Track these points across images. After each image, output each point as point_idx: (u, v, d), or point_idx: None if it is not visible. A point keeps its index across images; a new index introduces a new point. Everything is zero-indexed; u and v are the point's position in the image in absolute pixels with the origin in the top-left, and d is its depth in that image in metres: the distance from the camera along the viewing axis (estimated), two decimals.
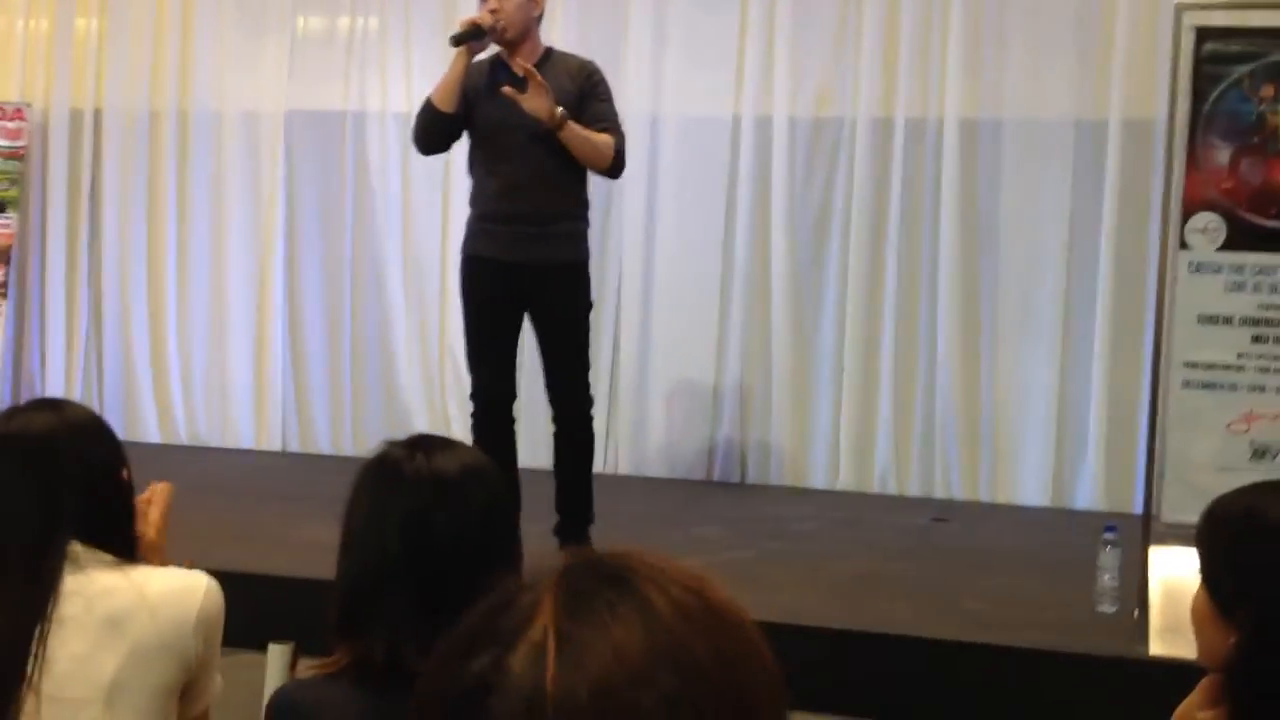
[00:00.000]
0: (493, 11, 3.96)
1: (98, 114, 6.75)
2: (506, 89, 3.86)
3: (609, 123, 4.05)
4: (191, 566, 1.89)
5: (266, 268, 6.58)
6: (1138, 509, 4.03)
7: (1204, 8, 3.56)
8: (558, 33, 5.98)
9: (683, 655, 0.70)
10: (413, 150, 6.29)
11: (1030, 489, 5.73)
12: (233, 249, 6.63)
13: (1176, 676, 1.70)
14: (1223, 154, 3.43)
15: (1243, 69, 3.38)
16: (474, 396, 4.20)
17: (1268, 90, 3.39)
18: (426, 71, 6.34)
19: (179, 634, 1.77)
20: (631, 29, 6.09)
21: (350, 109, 6.46)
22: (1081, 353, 5.66)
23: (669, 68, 6.07)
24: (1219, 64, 3.40)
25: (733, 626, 0.74)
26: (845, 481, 5.91)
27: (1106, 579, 3.91)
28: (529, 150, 3.92)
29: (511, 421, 4.18)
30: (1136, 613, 3.68)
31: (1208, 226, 3.43)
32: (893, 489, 5.86)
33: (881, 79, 5.85)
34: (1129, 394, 5.43)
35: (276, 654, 1.99)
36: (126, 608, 1.76)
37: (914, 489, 5.85)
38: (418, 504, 1.65)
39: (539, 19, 4.13)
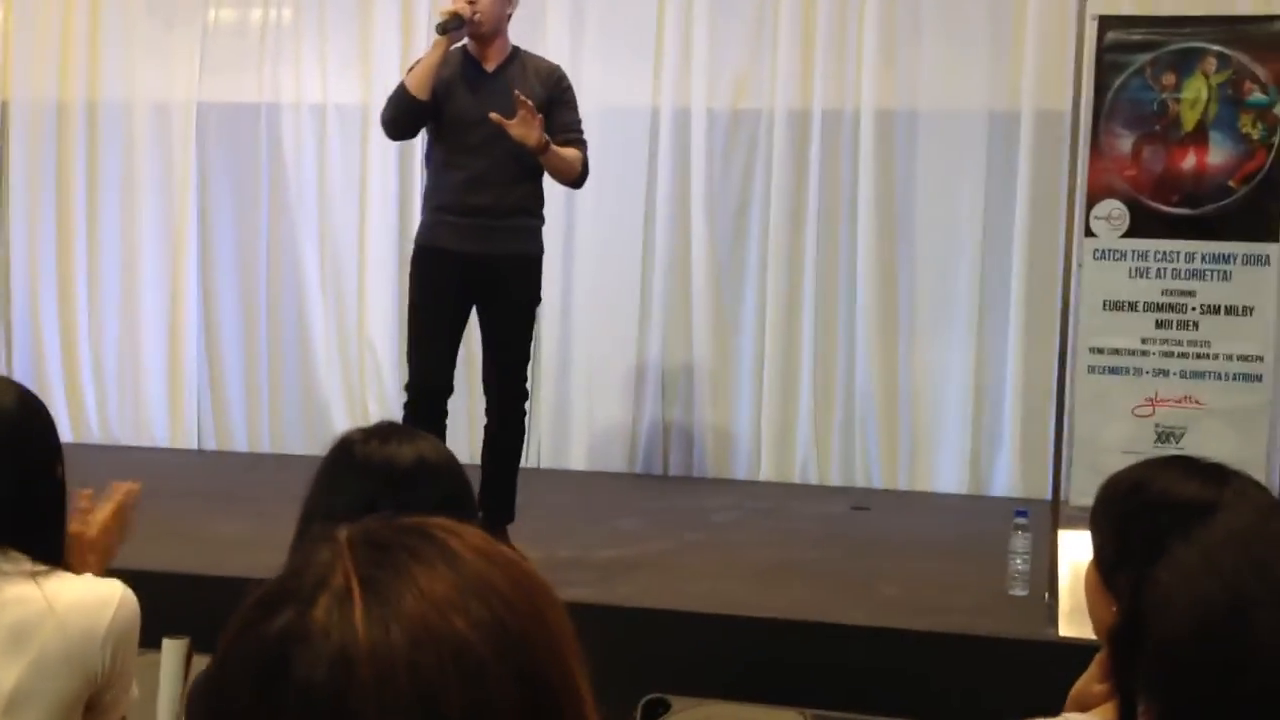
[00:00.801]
0: (470, 3, 3.97)
1: (4, 106, 6.61)
2: (494, 116, 3.88)
3: (576, 133, 4.13)
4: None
5: (180, 263, 6.48)
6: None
7: None
8: None
9: (487, 587, 0.70)
10: (329, 142, 6.34)
11: (948, 476, 5.80)
12: (145, 244, 6.52)
13: (1085, 657, 1.72)
14: (1125, 142, 3.49)
15: (1144, 57, 3.44)
16: (410, 387, 4.18)
17: (1169, 78, 3.45)
18: (341, 62, 6.30)
19: (86, 647, 1.74)
20: (549, 20, 6.07)
21: (264, 101, 6.38)
22: (997, 341, 5.73)
23: (586, 58, 6.05)
24: (1121, 52, 3.45)
25: (526, 569, 0.75)
26: (767, 472, 5.94)
27: (1018, 563, 3.96)
28: (494, 146, 3.95)
29: (444, 415, 4.17)
30: (1047, 595, 3.73)
31: (1111, 214, 3.48)
32: (814, 479, 5.89)
33: (799, 71, 5.88)
34: (1043, 381, 5.47)
35: (171, 649, 1.95)
36: (34, 618, 1.72)
37: (835, 478, 5.89)
38: (366, 491, 1.62)
39: (510, 17, 4.15)
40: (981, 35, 5.72)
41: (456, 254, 4.05)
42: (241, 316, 6.47)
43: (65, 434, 6.49)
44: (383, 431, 1.69)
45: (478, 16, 3.98)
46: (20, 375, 6.47)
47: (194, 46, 6.45)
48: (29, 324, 6.60)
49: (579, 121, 4.18)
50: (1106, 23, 3.47)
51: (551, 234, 5.98)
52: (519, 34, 5.87)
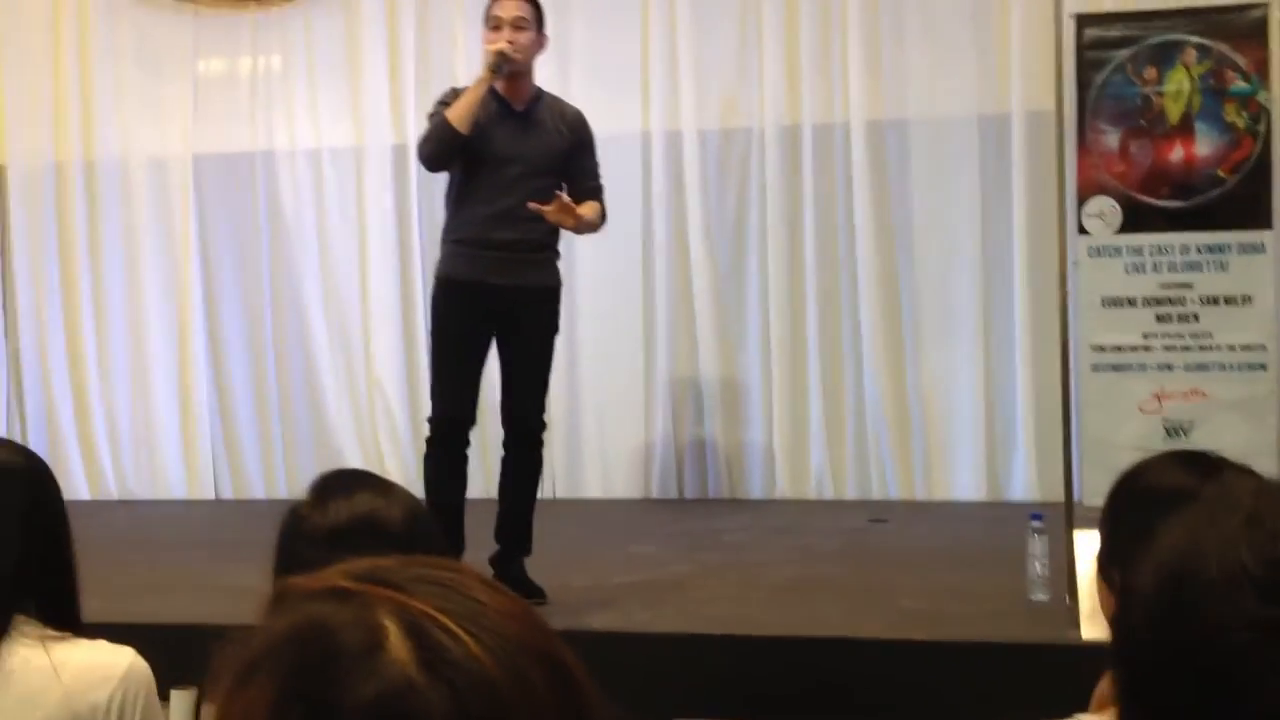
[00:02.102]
0: (510, 42, 4.02)
1: (1, 170, 6.66)
2: (532, 205, 3.96)
3: (596, 180, 4.22)
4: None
5: (185, 314, 6.50)
6: None
7: None
8: (461, 59, 5.99)
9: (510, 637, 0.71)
10: (325, 186, 6.36)
11: (965, 484, 5.76)
12: (150, 298, 6.54)
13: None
14: (1112, 138, 3.48)
15: (1124, 53, 3.43)
16: (434, 420, 4.18)
17: (1150, 73, 3.43)
18: (332, 107, 6.34)
19: (90, 716, 1.72)
20: None
21: (259, 149, 6.41)
22: (1004, 344, 5.71)
23: (575, 89, 6.02)
24: (1101, 49, 3.44)
25: (532, 610, 0.75)
26: (782, 490, 5.92)
27: (1037, 567, 3.92)
28: (520, 184, 4.01)
29: (466, 446, 4.19)
30: (1067, 598, 3.69)
31: (1103, 210, 3.46)
32: (830, 494, 5.87)
33: (785, 87, 5.89)
34: (1052, 383, 5.44)
35: (179, 700, 1.94)
36: (40, 685, 1.71)
37: (851, 492, 5.86)
38: (318, 558, 1.60)
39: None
40: (966, 40, 5.72)
41: (479, 286, 4.08)
42: (250, 363, 6.48)
43: (82, 493, 6.58)
44: (322, 491, 1.66)
45: (517, 55, 4.04)
46: (34, 436, 6.50)
47: (186, 99, 6.49)
48: (40, 385, 6.63)
49: (598, 166, 4.26)
50: (1084, 21, 3.46)
51: None
52: None
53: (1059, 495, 5.08)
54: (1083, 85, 3.47)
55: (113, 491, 6.52)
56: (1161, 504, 1.61)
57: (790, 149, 5.89)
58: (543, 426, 4.27)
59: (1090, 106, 3.45)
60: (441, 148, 4.07)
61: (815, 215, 5.85)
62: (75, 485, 6.40)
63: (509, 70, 4.06)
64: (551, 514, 4.98)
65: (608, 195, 5.89)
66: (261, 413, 6.47)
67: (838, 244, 5.87)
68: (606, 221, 4.28)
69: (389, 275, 6.27)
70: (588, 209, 4.12)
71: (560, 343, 5.98)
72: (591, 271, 6.07)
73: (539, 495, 4.40)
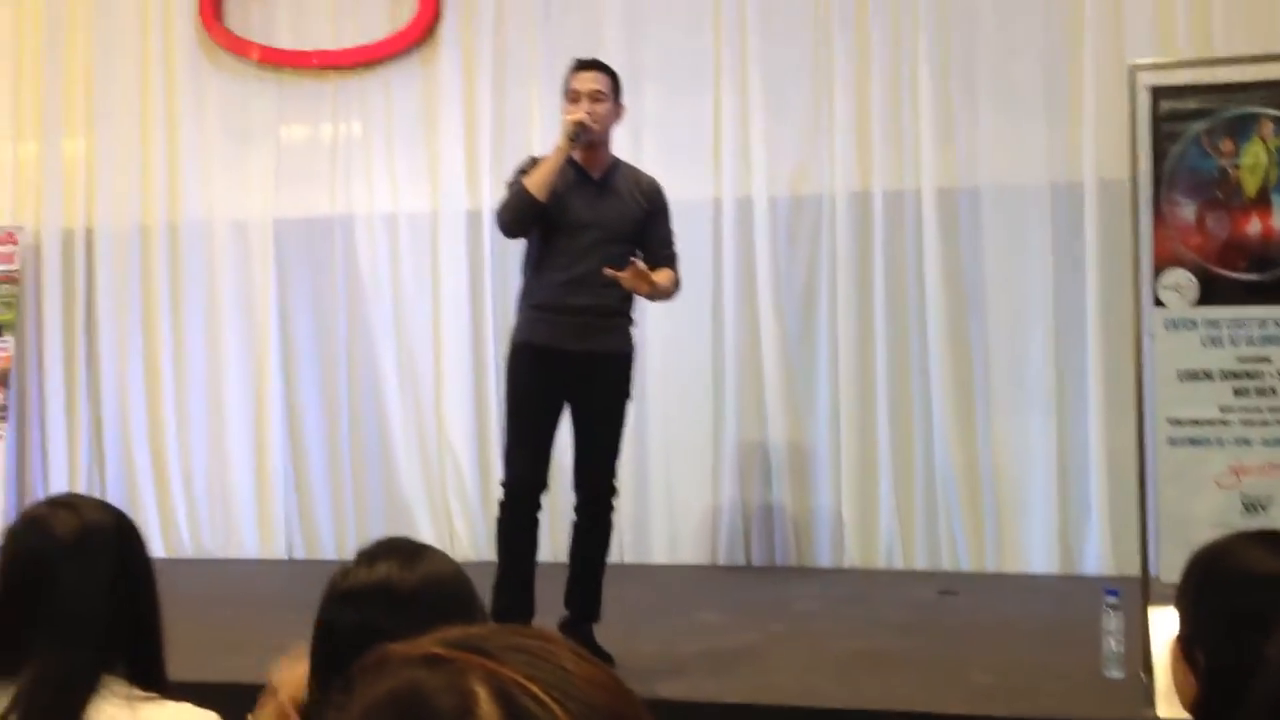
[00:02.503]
0: (589, 113, 4.10)
1: (89, 233, 6.84)
2: (608, 271, 4.01)
3: (670, 248, 4.28)
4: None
5: (262, 375, 6.61)
6: None
7: (1158, 67, 3.59)
8: (536, 126, 6.08)
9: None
10: (401, 250, 6.46)
11: (1037, 556, 5.68)
12: (229, 358, 6.66)
13: None
14: (1188, 210, 3.44)
15: (1200, 125, 3.40)
16: (508, 484, 4.20)
17: (1227, 145, 3.41)
18: (410, 172, 6.45)
19: None
20: None
21: (337, 213, 6.54)
22: (1077, 414, 5.63)
23: (647, 155, 6.10)
24: (1177, 121, 3.42)
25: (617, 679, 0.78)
26: (851, 559, 5.86)
27: (1111, 644, 3.85)
28: (597, 251, 4.06)
29: (538, 510, 4.20)
30: (1142, 675, 3.62)
31: (1179, 283, 3.43)
32: (899, 564, 5.80)
33: (857, 154, 5.91)
34: (1127, 455, 5.36)
35: None
36: None
37: (920, 562, 5.80)
38: (338, 618, 1.63)
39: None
40: (1038, 108, 5.71)
41: (556, 351, 4.12)
42: (324, 424, 6.57)
43: (158, 550, 6.67)
44: (359, 555, 1.70)
45: (594, 125, 4.11)
46: (113, 493, 6.62)
47: (269, 164, 6.65)
48: (120, 443, 6.75)
49: (673, 234, 4.30)
50: (1160, 93, 3.44)
51: None
52: None
53: (1134, 570, 4.99)
54: (1158, 157, 3.45)
55: (187, 550, 6.61)
56: (1249, 588, 1.60)
57: (861, 215, 5.89)
58: (614, 492, 4.28)
59: (1166, 178, 3.42)
60: (520, 215, 4.13)
61: (885, 282, 5.84)
62: (151, 542, 6.49)
63: (586, 140, 4.12)
64: (619, 579, 4.97)
65: (680, 256, 5.98)
66: (334, 474, 6.54)
67: (908, 311, 5.84)
68: (680, 289, 4.31)
69: (462, 339, 6.34)
70: (662, 276, 4.15)
71: (630, 407, 6.07)
72: (661, 337, 6.09)
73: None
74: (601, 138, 4.18)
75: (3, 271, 6.75)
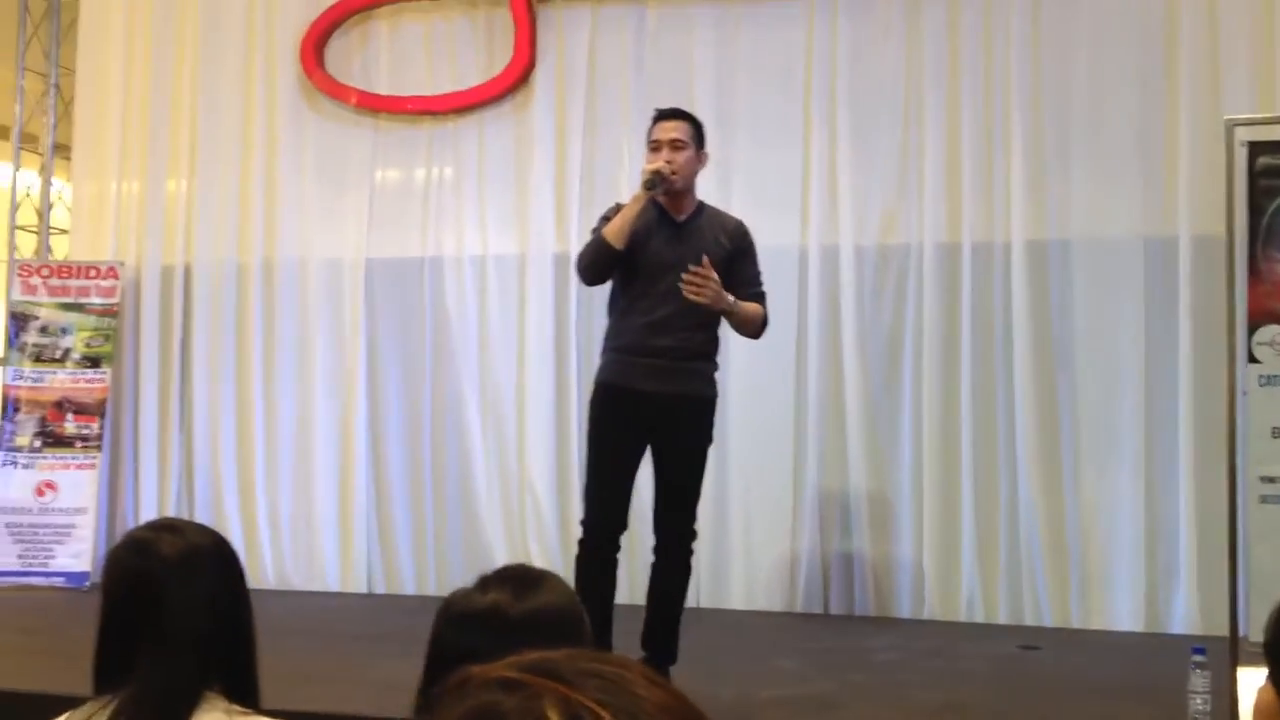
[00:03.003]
0: (668, 162, 4.16)
1: (188, 269, 7.02)
2: (684, 281, 3.99)
3: (758, 286, 4.29)
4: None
5: (350, 410, 6.72)
6: None
7: (1256, 123, 3.57)
8: (625, 173, 6.15)
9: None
10: (489, 292, 6.56)
11: (1123, 613, 5.59)
12: (318, 394, 6.79)
13: None
14: None
15: None
16: (587, 524, 4.23)
17: None
18: (499, 216, 6.56)
19: None
20: None
21: (428, 254, 6.66)
22: (1167, 470, 5.56)
23: (735, 203, 6.14)
24: (1274, 177, 3.40)
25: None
26: (931, 610, 5.81)
27: (1198, 703, 3.79)
28: (680, 293, 4.06)
29: (617, 551, 4.22)
30: None
31: (1275, 339, 3.39)
32: (980, 616, 5.74)
33: (945, 205, 5.91)
34: (1217, 512, 5.28)
35: None
36: None
37: (1002, 616, 5.73)
38: (482, 643, 1.66)
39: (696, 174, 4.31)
40: (1132, 161, 5.68)
41: (637, 393, 4.15)
42: (408, 461, 6.66)
43: None
44: (480, 580, 1.73)
45: (674, 173, 4.16)
46: (200, 521, 6.74)
47: (363, 206, 6.79)
48: (210, 473, 6.89)
49: (760, 274, 4.32)
50: (1257, 148, 3.42)
51: None
52: None
53: (1221, 629, 4.92)
54: (1255, 212, 3.43)
55: (270, 580, 6.71)
56: None
57: (949, 266, 5.89)
58: (693, 536, 4.29)
59: (1262, 234, 3.40)
60: (597, 262, 4.17)
61: (972, 334, 5.82)
62: None
63: (665, 189, 4.16)
64: (695, 623, 4.97)
65: (771, 305, 5.99)
66: (416, 509, 6.62)
67: (995, 363, 5.81)
68: (768, 327, 4.30)
69: (545, 380, 6.40)
70: (752, 306, 4.18)
71: (710, 451, 6.09)
72: (744, 382, 6.11)
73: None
74: (684, 184, 4.22)
75: (103, 305, 6.95)
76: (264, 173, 6.94)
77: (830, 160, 6.09)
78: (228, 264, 6.95)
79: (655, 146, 4.22)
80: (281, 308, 6.86)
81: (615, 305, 4.30)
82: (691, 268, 3.99)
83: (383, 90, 6.81)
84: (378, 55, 6.85)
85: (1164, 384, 5.58)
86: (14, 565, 6.68)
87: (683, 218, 4.24)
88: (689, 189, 4.27)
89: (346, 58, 6.89)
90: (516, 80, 6.55)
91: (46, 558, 6.67)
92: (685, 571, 4.30)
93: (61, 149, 7.60)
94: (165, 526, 2.01)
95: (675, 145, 4.19)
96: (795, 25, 6.19)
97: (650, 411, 4.15)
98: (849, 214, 6.03)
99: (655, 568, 4.29)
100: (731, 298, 4.08)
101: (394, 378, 6.71)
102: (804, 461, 6.02)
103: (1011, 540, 5.74)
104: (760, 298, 4.27)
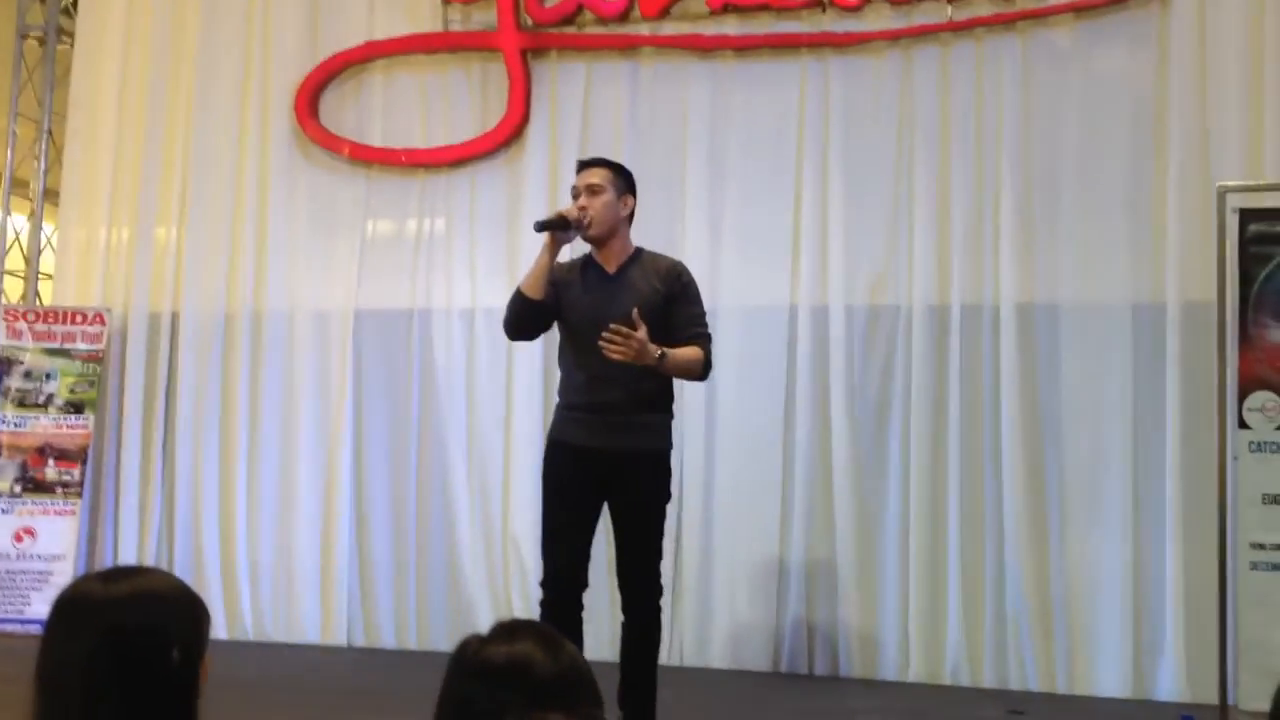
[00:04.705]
0: (581, 209, 4.11)
1: (175, 317, 6.99)
2: (602, 341, 3.87)
3: (698, 327, 4.14)
4: None
5: (334, 462, 6.68)
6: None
7: (1248, 190, 3.60)
8: None
9: None
10: (478, 344, 6.54)
11: (1109, 679, 5.55)
12: (302, 444, 6.74)
13: None
14: (1276, 333, 3.43)
15: None
16: (544, 584, 4.12)
17: None
18: (491, 268, 6.55)
19: None
20: (689, 224, 6.25)
21: (417, 306, 6.64)
22: (1154, 536, 5.54)
23: (725, 260, 6.20)
24: (1265, 244, 3.42)
25: None
26: (916, 673, 5.77)
27: None
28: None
29: (579, 610, 4.10)
30: None
31: (1265, 405, 3.40)
32: (966, 680, 5.70)
33: (935, 266, 5.93)
34: (1205, 578, 5.27)
35: None
36: None
37: (988, 680, 5.69)
38: (500, 694, 1.63)
39: (629, 218, 4.22)
40: (1121, 226, 5.71)
41: (584, 449, 4.06)
42: (391, 514, 6.61)
43: (220, 631, 6.71)
44: (495, 630, 1.69)
45: (588, 219, 4.10)
46: (180, 572, 6.64)
47: (353, 257, 6.78)
48: (190, 523, 6.83)
49: (701, 315, 4.18)
50: (1248, 215, 3.45)
51: (692, 430, 6.10)
52: (658, 239, 6.07)
53: (1210, 696, 4.90)
54: (1245, 279, 3.45)
55: (249, 632, 6.64)
56: None
57: (938, 328, 5.89)
58: (659, 591, 4.13)
59: (1253, 301, 3.42)
60: (515, 314, 4.12)
61: (960, 396, 5.82)
62: (214, 624, 6.49)
63: (583, 235, 4.09)
64: (678, 682, 4.93)
65: (752, 362, 5.99)
66: (399, 564, 6.56)
67: (983, 424, 5.81)
68: (711, 367, 4.14)
69: (531, 435, 6.36)
70: (688, 351, 4.04)
71: (695, 509, 6.08)
72: (731, 439, 6.10)
73: (664, 661, 4.30)
74: (602, 229, 4.12)
75: (89, 351, 6.92)
76: (255, 222, 6.93)
77: (821, 219, 6.11)
78: (215, 312, 6.92)
79: (574, 194, 4.16)
80: (268, 357, 6.83)
81: (562, 360, 4.23)
82: (612, 325, 3.87)
83: (376, 142, 6.82)
84: (372, 107, 6.88)
85: (1151, 449, 5.57)
86: None
87: (614, 268, 4.15)
88: (614, 235, 4.16)
89: (340, 109, 6.91)
90: (510, 134, 6.57)
91: (23, 604, 6.58)
92: (655, 631, 4.15)
93: (52, 194, 7.60)
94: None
95: (591, 190, 4.11)
96: (788, 84, 6.23)
97: (601, 468, 4.04)
98: (839, 273, 6.04)
99: (624, 626, 4.15)
100: (659, 350, 3.93)
101: (379, 428, 6.67)
102: (790, 521, 5.99)
103: (998, 604, 5.71)
104: (699, 338, 4.12)
